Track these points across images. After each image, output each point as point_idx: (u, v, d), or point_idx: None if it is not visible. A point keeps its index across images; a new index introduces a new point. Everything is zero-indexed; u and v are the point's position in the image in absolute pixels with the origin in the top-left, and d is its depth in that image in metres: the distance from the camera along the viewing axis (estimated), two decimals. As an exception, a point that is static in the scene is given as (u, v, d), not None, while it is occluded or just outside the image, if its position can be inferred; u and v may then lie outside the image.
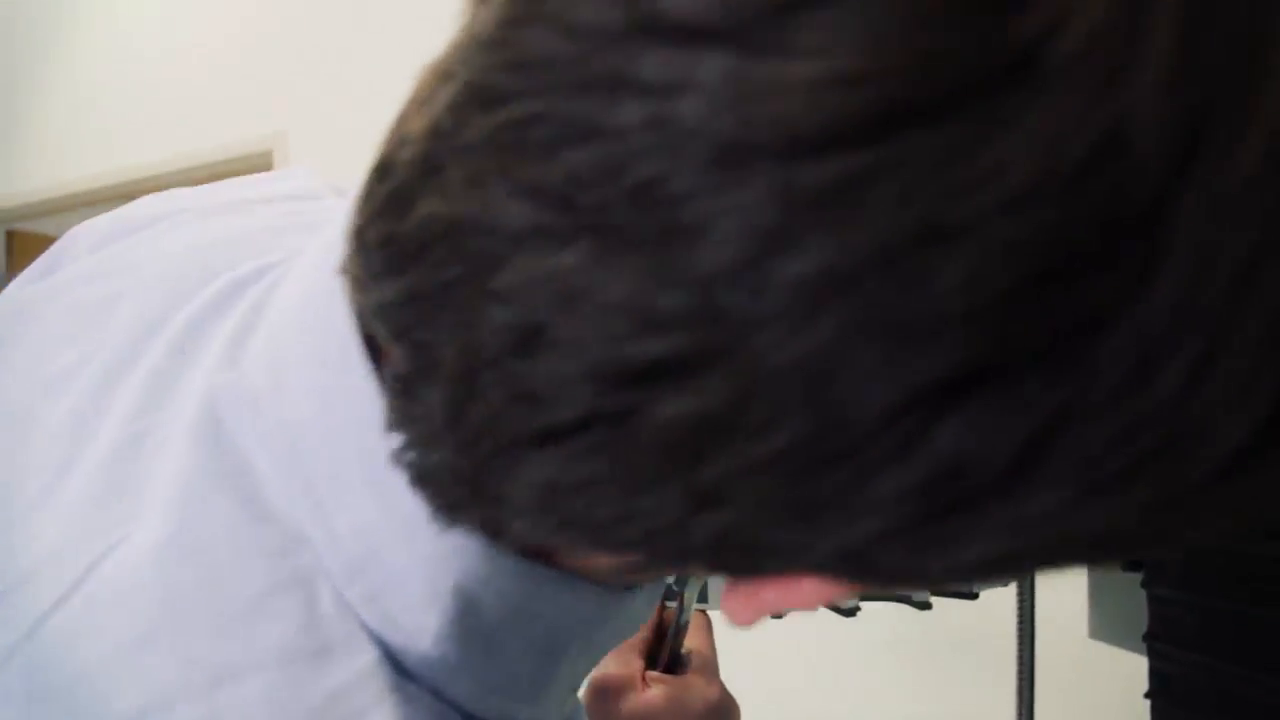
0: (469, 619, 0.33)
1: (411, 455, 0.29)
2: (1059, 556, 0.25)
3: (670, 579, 0.63)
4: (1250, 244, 0.19)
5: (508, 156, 0.22)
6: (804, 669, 2.48)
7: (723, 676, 0.64)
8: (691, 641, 0.66)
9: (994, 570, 0.26)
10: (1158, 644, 0.92)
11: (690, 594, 0.65)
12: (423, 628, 0.33)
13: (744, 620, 0.29)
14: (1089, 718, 2.07)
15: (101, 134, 3.51)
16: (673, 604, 0.65)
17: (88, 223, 0.47)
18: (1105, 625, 1.03)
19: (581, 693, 0.65)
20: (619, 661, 0.62)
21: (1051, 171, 0.18)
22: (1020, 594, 0.81)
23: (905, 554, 0.24)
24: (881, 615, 2.41)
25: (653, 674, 0.63)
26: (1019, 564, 0.27)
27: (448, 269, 0.24)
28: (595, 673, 0.63)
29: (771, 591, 0.27)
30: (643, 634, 0.65)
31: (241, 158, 3.26)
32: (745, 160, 0.20)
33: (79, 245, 0.46)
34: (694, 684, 0.63)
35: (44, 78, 3.65)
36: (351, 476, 0.33)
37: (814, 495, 0.22)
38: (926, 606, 0.71)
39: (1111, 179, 0.19)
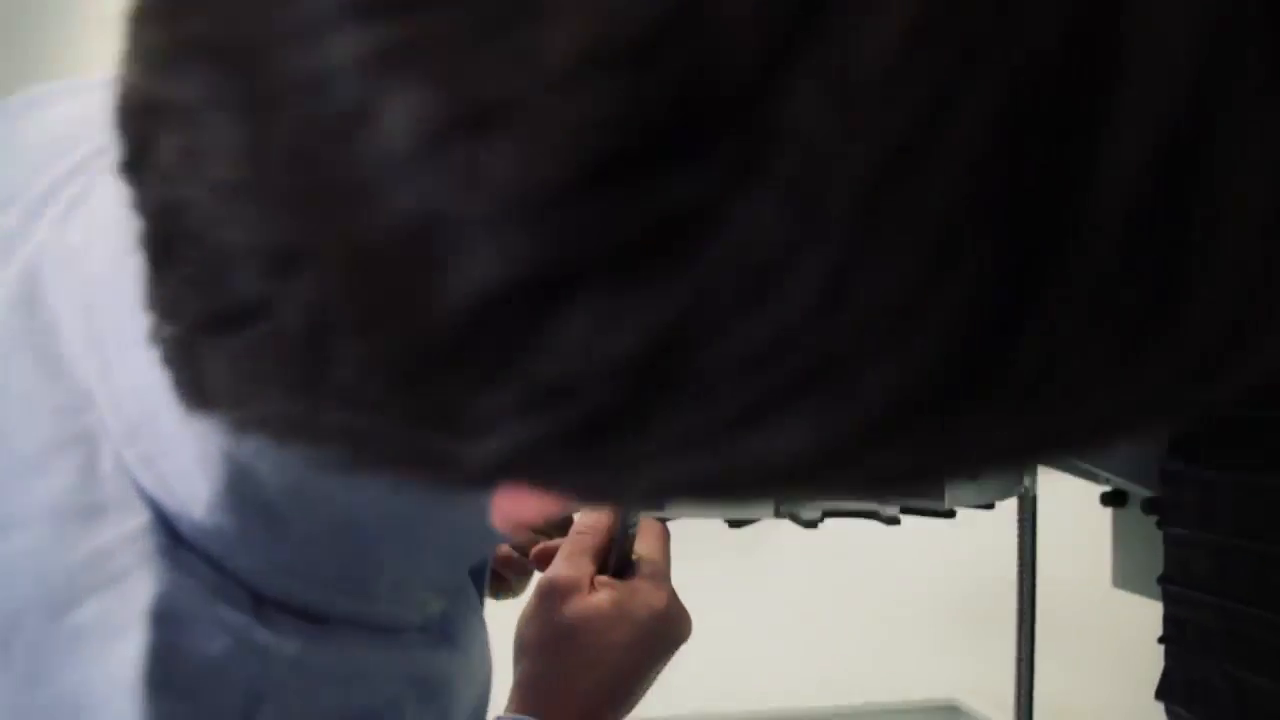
0: (243, 489, 0.33)
1: (153, 326, 0.28)
2: (753, 486, 0.23)
3: None
4: (885, 145, 0.16)
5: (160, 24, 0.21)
6: (832, 620, 2.45)
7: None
8: (645, 549, 0.65)
9: (691, 495, 0.24)
10: (1172, 587, 0.87)
11: (629, 519, 0.64)
12: (195, 495, 0.33)
13: (501, 524, 0.27)
14: (1107, 666, 2.00)
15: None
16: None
17: None
18: (1131, 573, 0.98)
19: (529, 592, 0.65)
20: (569, 564, 0.63)
21: (611, 42, 0.16)
22: (1020, 540, 0.77)
23: (574, 471, 0.22)
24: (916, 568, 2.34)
25: (601, 578, 0.63)
26: (714, 489, 0.25)
27: (134, 140, 0.23)
28: (544, 574, 0.64)
29: (503, 499, 0.25)
30: (595, 538, 0.64)
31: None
32: None
33: None
34: (641, 590, 0.63)
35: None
36: (133, 335, 0.32)
37: (429, 402, 0.20)
38: (895, 522, 0.68)
39: (692, 52, 0.16)
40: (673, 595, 0.64)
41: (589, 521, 0.64)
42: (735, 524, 0.66)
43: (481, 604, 0.53)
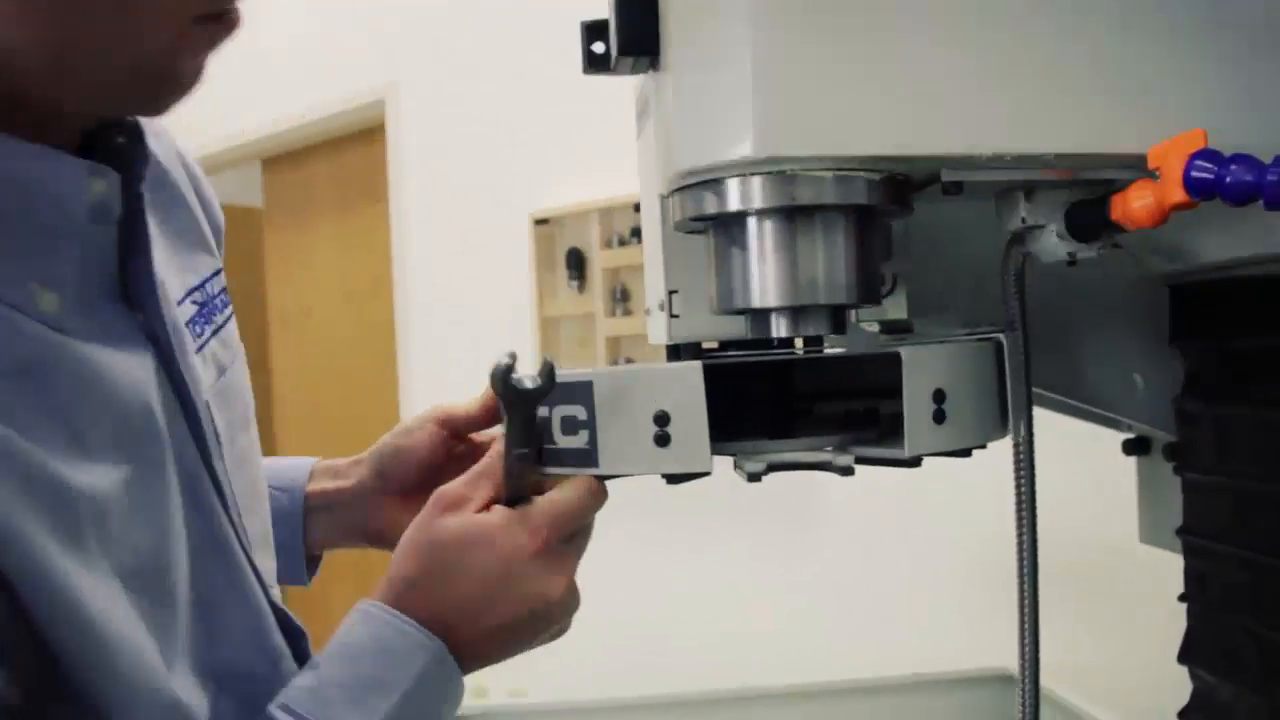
0: None
1: None
2: None
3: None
4: None
5: None
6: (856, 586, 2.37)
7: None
8: (559, 498, 0.63)
9: None
10: (1192, 539, 0.79)
11: (508, 437, 0.62)
12: None
13: None
14: (1129, 625, 1.88)
15: (217, 99, 3.63)
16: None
17: None
18: (1159, 527, 0.90)
19: None
20: (467, 481, 0.63)
21: None
22: (1018, 489, 0.70)
23: None
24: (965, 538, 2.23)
25: (496, 506, 0.62)
26: None
27: None
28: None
29: None
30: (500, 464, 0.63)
31: (355, 110, 3.31)
32: None
33: None
34: (512, 529, 0.61)
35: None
36: None
37: None
38: (848, 472, 0.63)
39: None
40: (552, 550, 0.61)
41: (500, 449, 0.63)
42: (673, 480, 0.60)
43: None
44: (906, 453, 0.60)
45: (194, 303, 0.66)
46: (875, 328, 0.83)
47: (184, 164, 0.71)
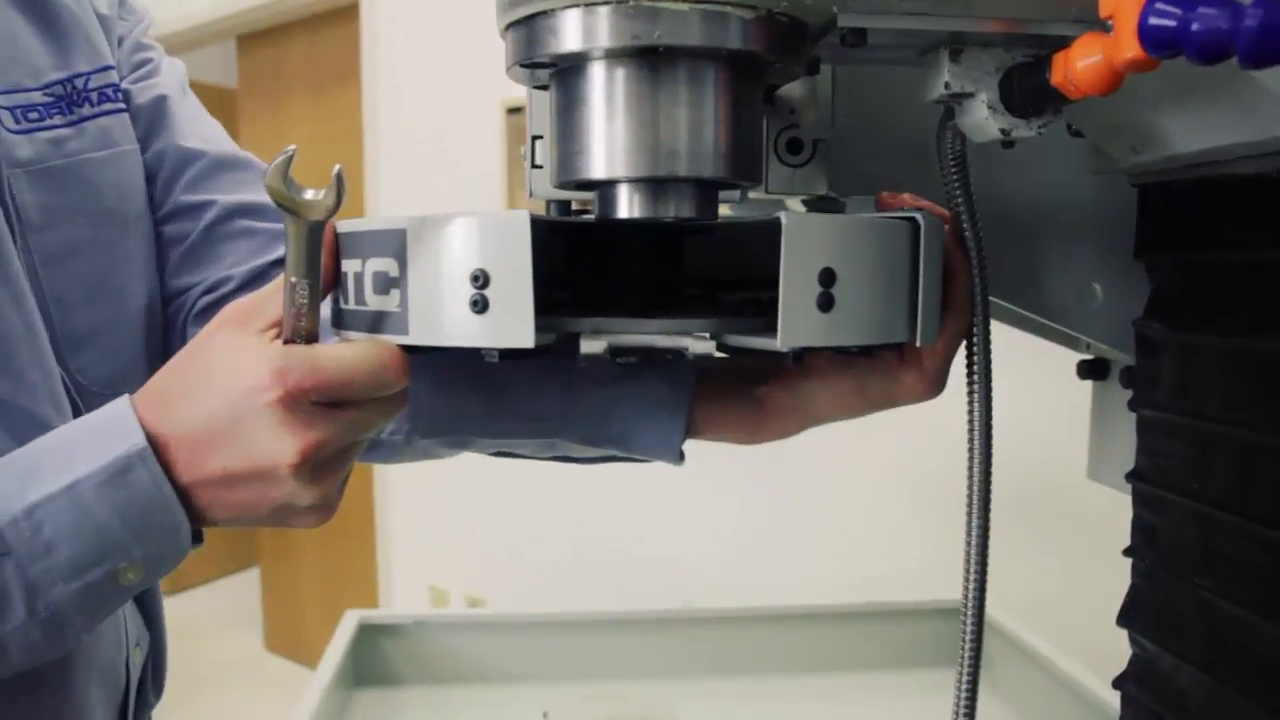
0: None
1: None
2: None
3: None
4: None
5: None
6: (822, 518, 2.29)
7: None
8: (340, 355, 0.52)
9: None
10: (1143, 486, 0.68)
11: (292, 272, 0.52)
12: None
13: None
14: (1073, 568, 1.80)
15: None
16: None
17: None
18: (1110, 463, 0.79)
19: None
20: (263, 295, 0.54)
21: None
22: (970, 410, 0.60)
23: None
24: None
25: (271, 333, 0.54)
26: None
27: None
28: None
29: None
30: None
31: (330, -14, 3.14)
32: None
33: None
34: (258, 367, 0.51)
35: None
36: None
37: None
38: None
39: None
40: (298, 407, 0.51)
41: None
42: (502, 356, 0.49)
43: None
44: (780, 344, 0.48)
45: (50, 95, 0.69)
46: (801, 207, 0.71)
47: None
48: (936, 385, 0.65)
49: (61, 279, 0.69)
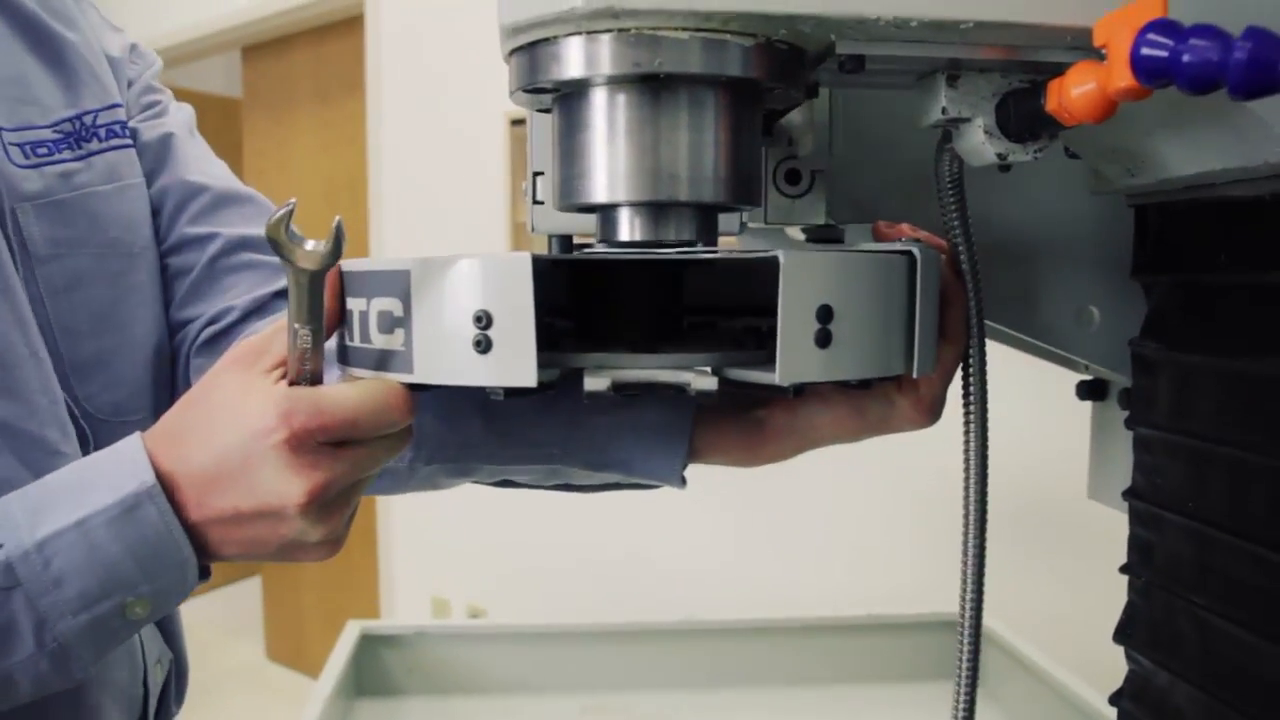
0: None
1: None
2: None
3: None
4: None
5: None
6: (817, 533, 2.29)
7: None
8: (345, 396, 0.52)
9: None
10: (1139, 504, 0.68)
11: (289, 308, 0.53)
12: None
13: None
14: (1071, 587, 1.80)
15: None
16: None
17: None
18: (1111, 482, 0.79)
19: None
20: (269, 334, 0.55)
21: None
22: (966, 429, 0.61)
23: None
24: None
25: (277, 374, 0.55)
26: None
27: None
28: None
29: None
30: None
31: (334, -4, 3.16)
32: None
33: None
34: (265, 409, 0.52)
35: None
36: None
37: None
38: (707, 396, 0.52)
39: None
40: (304, 447, 0.52)
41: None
42: (508, 394, 0.50)
43: None
44: (779, 379, 0.48)
45: (59, 131, 0.72)
46: (801, 236, 0.72)
47: (106, 27, 0.82)
48: (933, 413, 0.66)
49: (68, 309, 0.71)
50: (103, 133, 0.75)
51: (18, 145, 0.70)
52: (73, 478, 0.57)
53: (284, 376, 0.54)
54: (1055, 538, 1.86)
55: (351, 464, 0.53)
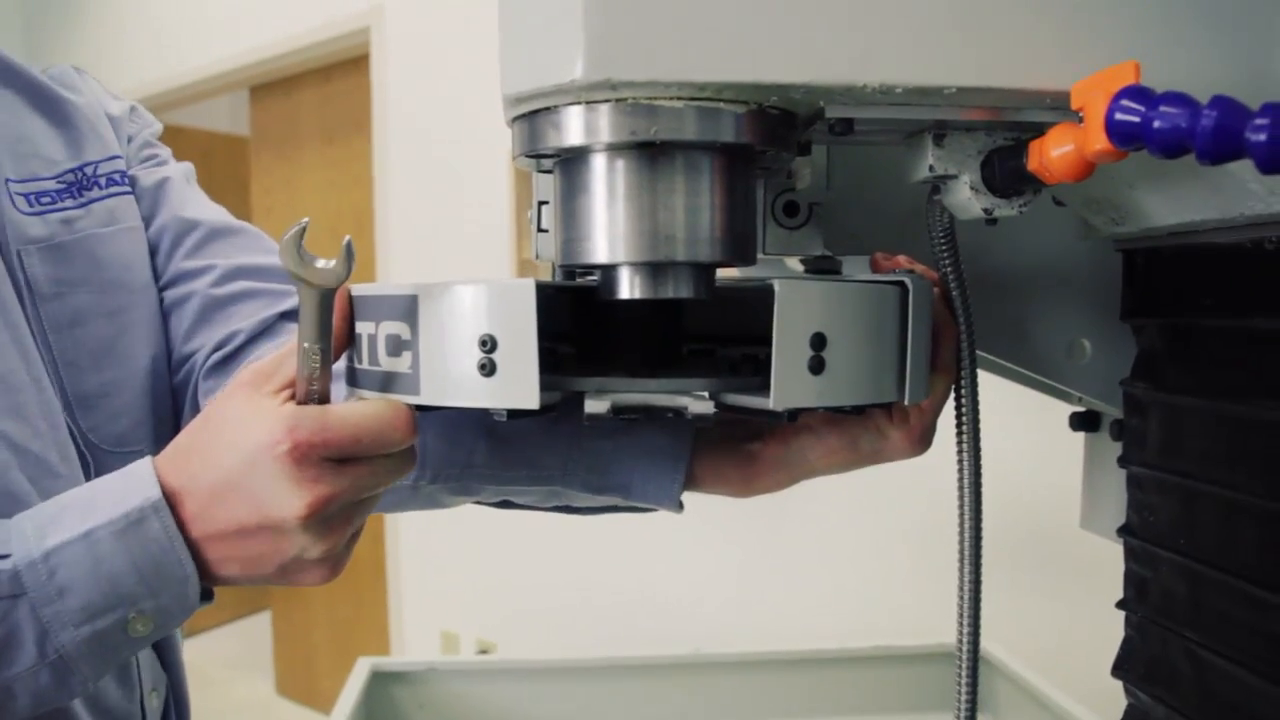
0: None
1: None
2: None
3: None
4: None
5: None
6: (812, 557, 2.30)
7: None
8: (350, 412, 0.54)
9: None
10: (1133, 540, 0.69)
11: (300, 325, 0.55)
12: None
13: None
14: (1066, 620, 1.80)
15: (202, 25, 3.53)
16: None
17: None
18: (1102, 513, 0.80)
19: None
20: (277, 358, 0.57)
21: None
22: (959, 456, 0.62)
23: None
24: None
25: (284, 394, 0.56)
26: None
27: None
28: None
29: None
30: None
31: (340, 37, 3.20)
32: None
33: None
34: (270, 424, 0.54)
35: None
36: None
37: None
38: (704, 421, 0.56)
39: None
40: (308, 462, 0.53)
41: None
42: (511, 415, 0.52)
43: None
44: (774, 404, 0.50)
45: (62, 182, 0.78)
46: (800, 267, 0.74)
47: (106, 95, 0.88)
48: (923, 443, 0.67)
49: (70, 345, 0.74)
50: (103, 181, 0.80)
51: (23, 195, 0.75)
52: (84, 494, 0.59)
53: (292, 397, 0.55)
54: (1055, 567, 1.87)
55: (353, 480, 0.55)
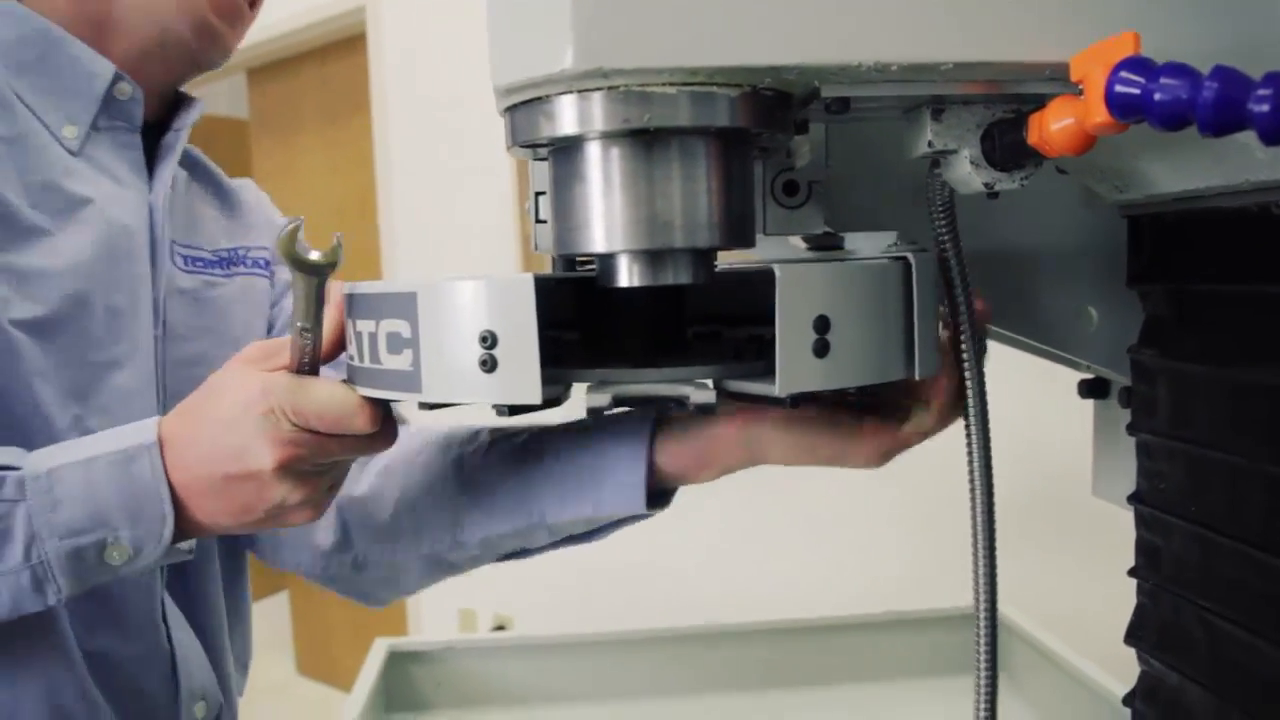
0: None
1: None
2: None
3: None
4: None
5: None
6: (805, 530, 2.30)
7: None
8: (321, 391, 0.60)
9: None
10: (1143, 508, 0.69)
11: (294, 308, 0.59)
12: None
13: None
14: (1074, 587, 1.80)
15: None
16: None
17: None
18: (1113, 479, 0.80)
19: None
20: (279, 339, 0.64)
21: None
22: (967, 425, 0.62)
23: None
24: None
25: (285, 367, 0.62)
26: None
27: None
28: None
29: None
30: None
31: (336, 16, 3.17)
32: None
33: None
34: (251, 386, 0.61)
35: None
36: None
37: None
38: (708, 409, 0.54)
39: None
40: (280, 421, 0.60)
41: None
42: (513, 410, 0.52)
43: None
44: (779, 391, 0.50)
45: (216, 255, 0.92)
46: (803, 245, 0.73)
47: (274, 209, 1.06)
48: (883, 459, 0.69)
49: (185, 381, 0.80)
50: (248, 261, 0.95)
51: (183, 256, 0.89)
52: (98, 435, 0.67)
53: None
54: (1068, 532, 1.87)
55: (320, 446, 0.61)
